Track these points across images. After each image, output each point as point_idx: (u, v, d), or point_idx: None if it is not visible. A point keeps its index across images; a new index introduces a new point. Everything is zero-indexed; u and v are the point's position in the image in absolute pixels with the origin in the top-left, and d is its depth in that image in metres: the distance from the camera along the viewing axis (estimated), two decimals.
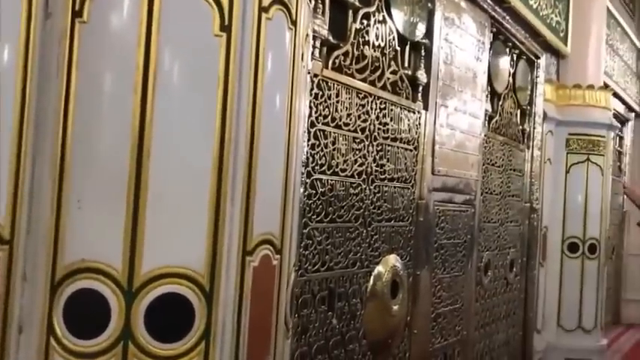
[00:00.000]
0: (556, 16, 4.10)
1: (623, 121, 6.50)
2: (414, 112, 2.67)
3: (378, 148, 2.41)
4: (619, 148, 6.40)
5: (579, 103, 4.19)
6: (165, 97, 1.09)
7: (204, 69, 1.12)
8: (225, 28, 1.13)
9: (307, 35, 1.42)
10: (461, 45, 3.01)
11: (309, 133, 1.98)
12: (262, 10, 1.17)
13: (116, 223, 1.07)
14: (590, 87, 4.23)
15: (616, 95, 5.76)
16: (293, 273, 1.36)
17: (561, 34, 4.22)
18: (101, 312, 1.06)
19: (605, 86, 4.90)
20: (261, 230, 1.18)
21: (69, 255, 1.07)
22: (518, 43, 3.70)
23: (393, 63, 2.51)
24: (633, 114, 6.76)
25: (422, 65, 2.72)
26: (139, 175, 1.07)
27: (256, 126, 1.15)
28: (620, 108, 6.17)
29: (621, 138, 6.49)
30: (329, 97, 2.11)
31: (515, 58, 3.78)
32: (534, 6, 3.70)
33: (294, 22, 1.26)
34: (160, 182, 1.08)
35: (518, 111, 3.89)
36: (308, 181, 1.99)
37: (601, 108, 4.23)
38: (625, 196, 2.72)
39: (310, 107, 2.00)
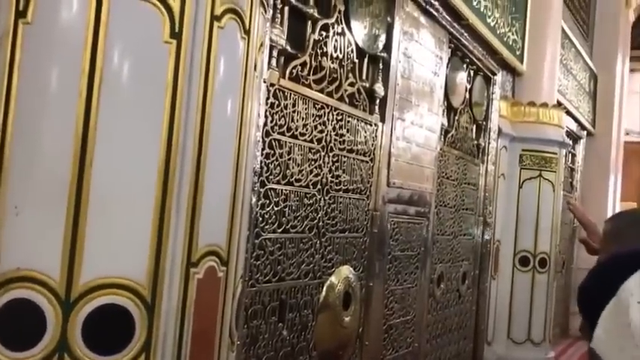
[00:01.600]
0: (513, 34, 4.21)
1: (575, 138, 6.69)
2: (371, 125, 2.68)
3: (334, 159, 2.41)
4: (571, 165, 6.58)
5: (533, 120, 4.29)
6: (111, 103, 1.06)
7: (153, 75, 1.10)
8: (176, 35, 1.12)
9: (262, 45, 1.41)
10: (419, 59, 3.05)
11: (263, 142, 1.97)
12: (214, 18, 1.16)
13: (55, 231, 1.03)
14: (544, 105, 4.34)
15: (569, 113, 5.93)
16: (240, 285, 1.34)
17: (517, 53, 4.32)
18: (36, 323, 1.02)
19: (559, 104, 5.04)
20: (206, 241, 1.16)
21: (4, 263, 1.03)
22: (475, 60, 3.78)
23: (351, 75, 2.52)
24: (585, 132, 6.96)
25: (380, 78, 2.74)
26: (80, 182, 1.04)
27: (205, 135, 1.13)
28: (573, 126, 6.36)
29: (574, 155, 6.67)
30: (285, 107, 2.10)
31: (472, 74, 3.86)
32: (492, 24, 3.79)
33: (247, 32, 1.25)
34: (102, 190, 1.06)
35: (474, 126, 3.96)
36: (262, 190, 1.98)
37: (554, 126, 4.34)
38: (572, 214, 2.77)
39: (266, 116, 1.99)
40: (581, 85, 6.52)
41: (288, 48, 2.12)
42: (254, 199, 1.87)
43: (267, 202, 2.02)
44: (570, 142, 6.27)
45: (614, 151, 7.47)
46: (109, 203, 1.07)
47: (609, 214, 7.43)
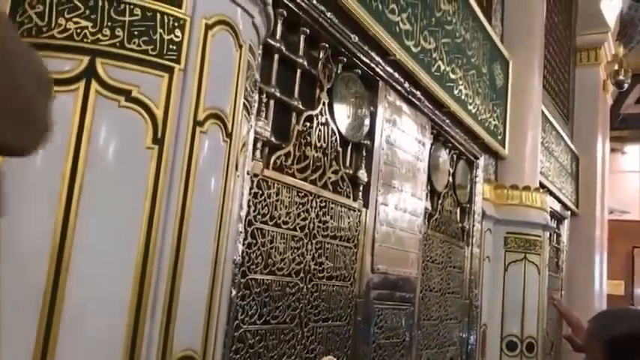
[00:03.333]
0: (494, 120, 4.33)
1: (560, 218, 6.76)
2: (355, 211, 2.71)
3: (317, 246, 2.42)
4: (556, 245, 6.61)
5: (516, 202, 4.35)
6: (90, 208, 1.08)
7: (133, 180, 1.12)
8: (158, 140, 1.15)
9: (244, 145, 1.44)
10: (402, 146, 3.12)
11: (246, 232, 1.98)
12: (197, 124, 1.20)
13: (28, 336, 1.02)
14: (527, 188, 4.41)
15: (553, 194, 6.02)
16: None
17: (499, 137, 4.43)
18: None
19: (542, 186, 5.12)
20: (182, 346, 1.15)
21: None
22: (457, 145, 3.86)
23: (334, 163, 2.56)
24: (569, 212, 7.04)
25: (363, 165, 2.79)
26: (55, 287, 1.04)
27: (183, 239, 1.14)
28: (557, 207, 6.44)
29: (559, 235, 6.72)
30: (268, 196, 2.12)
31: (455, 158, 3.94)
32: (473, 111, 3.90)
33: (229, 135, 1.28)
34: (77, 295, 1.05)
35: (458, 209, 4.00)
36: (242, 281, 1.97)
37: (537, 209, 4.39)
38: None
39: (249, 206, 2.01)
40: (564, 167, 6.66)
41: (273, 139, 2.17)
42: (234, 292, 1.86)
43: (248, 292, 2.00)
44: (554, 224, 6.33)
45: (598, 229, 7.53)
46: (82, 308, 1.06)
47: (597, 292, 7.41)
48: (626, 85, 7.85)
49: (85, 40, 1.12)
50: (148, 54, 1.16)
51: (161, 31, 1.17)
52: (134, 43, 1.15)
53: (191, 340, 1.18)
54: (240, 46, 1.32)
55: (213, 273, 1.23)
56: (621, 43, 8.07)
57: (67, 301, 1.04)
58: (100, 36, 1.13)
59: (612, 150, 10.17)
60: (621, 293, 12.02)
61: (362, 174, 2.76)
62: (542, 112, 5.30)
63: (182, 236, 1.14)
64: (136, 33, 1.15)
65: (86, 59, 1.12)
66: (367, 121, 2.82)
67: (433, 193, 3.63)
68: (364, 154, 2.81)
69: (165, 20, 1.18)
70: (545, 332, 5.24)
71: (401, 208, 3.13)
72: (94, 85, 1.11)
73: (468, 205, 4.10)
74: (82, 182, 1.08)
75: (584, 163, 7.45)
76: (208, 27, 1.23)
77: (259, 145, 2.08)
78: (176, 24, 1.19)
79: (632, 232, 11.76)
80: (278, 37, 2.21)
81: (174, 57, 1.18)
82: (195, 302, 1.19)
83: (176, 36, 1.19)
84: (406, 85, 3.09)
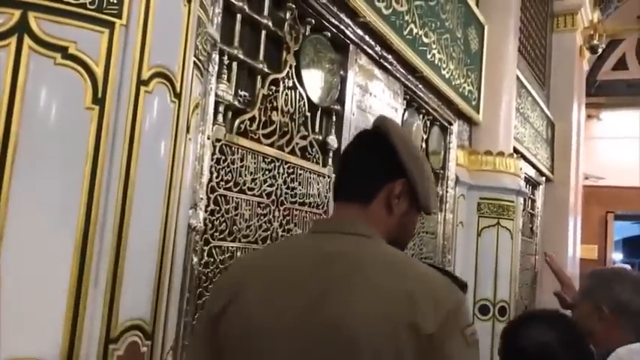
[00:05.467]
0: (468, 85, 4.28)
1: (534, 184, 6.80)
2: (324, 177, 2.66)
3: (285, 213, 2.37)
4: (531, 211, 6.66)
5: (490, 169, 4.33)
6: (26, 172, 1.02)
7: (72, 143, 1.05)
8: (99, 100, 1.08)
9: (197, 106, 1.38)
10: (374, 111, 3.06)
11: (208, 199, 1.93)
12: (141, 83, 1.13)
13: None
14: (501, 154, 4.39)
15: (528, 160, 6.04)
16: (170, 357, 1.27)
17: (473, 103, 4.40)
18: None
19: (517, 152, 5.12)
20: (128, 316, 1.10)
21: None
22: (431, 110, 3.82)
23: (302, 128, 2.51)
24: (544, 178, 7.09)
25: (333, 130, 2.74)
26: None
27: (127, 206, 1.09)
28: (532, 172, 6.47)
29: (533, 201, 6.77)
30: (232, 162, 2.07)
31: (428, 125, 3.90)
32: (447, 76, 3.85)
33: (177, 95, 1.22)
34: (14, 265, 1.00)
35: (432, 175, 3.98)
36: (205, 248, 1.92)
37: (510, 174, 4.39)
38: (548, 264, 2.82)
39: (211, 172, 1.95)
40: (539, 133, 6.67)
41: (236, 103, 2.10)
42: (195, 259, 1.82)
43: (212, 260, 1.96)
44: (529, 190, 6.37)
45: (572, 195, 7.60)
46: (21, 279, 1.01)
47: (570, 256, 7.52)
48: (600, 50, 7.84)
49: None
50: (86, 8, 1.08)
51: None
52: None
53: (139, 309, 1.13)
54: (189, 1, 1.24)
55: (162, 241, 1.18)
56: (598, 8, 8.03)
57: (3, 273, 0.99)
58: None
59: (588, 116, 10.22)
60: (594, 257, 12.25)
61: (332, 140, 2.71)
62: (518, 77, 5.26)
63: (127, 202, 1.09)
64: None
65: (17, 13, 1.04)
66: (337, 86, 2.75)
67: None
68: (334, 119, 2.75)
69: None
70: (519, 296, 5.32)
71: None
72: (27, 40, 1.04)
73: (442, 171, 4.08)
74: (15, 146, 1.01)
75: (560, 129, 7.47)
76: None
77: (221, 109, 2.02)
78: None
79: (606, 198, 11.92)
80: None
81: (114, 11, 1.11)
82: (142, 271, 1.14)
83: None
84: (377, 48, 3.02)
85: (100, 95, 1.08)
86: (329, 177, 2.70)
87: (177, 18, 1.21)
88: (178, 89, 1.21)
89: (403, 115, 3.44)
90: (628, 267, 9.17)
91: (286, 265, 1.10)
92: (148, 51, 1.14)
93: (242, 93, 2.16)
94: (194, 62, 1.30)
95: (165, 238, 1.18)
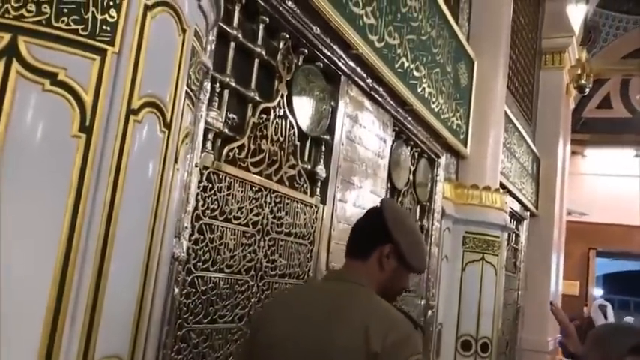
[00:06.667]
0: (457, 119, 4.31)
1: (519, 219, 6.83)
2: (311, 207, 2.64)
3: (270, 243, 2.34)
4: (515, 245, 6.68)
5: (476, 203, 4.34)
6: (7, 199, 0.98)
7: (56, 172, 1.02)
8: (86, 129, 1.05)
9: (187, 135, 1.36)
10: (363, 142, 3.06)
11: (192, 227, 1.89)
12: (131, 112, 1.11)
13: None
14: (487, 188, 4.40)
15: (513, 195, 6.07)
16: None
17: (461, 137, 4.42)
18: None
19: (503, 187, 5.14)
20: (105, 351, 1.06)
21: None
22: (419, 143, 3.83)
23: (291, 157, 2.49)
24: (528, 213, 7.12)
25: (322, 160, 2.72)
26: None
27: (110, 239, 1.05)
28: (517, 207, 6.50)
29: (517, 235, 6.78)
30: (219, 190, 2.04)
31: (416, 157, 3.90)
32: (436, 109, 3.87)
33: (167, 125, 1.19)
34: None
35: (418, 207, 3.98)
36: (188, 278, 1.88)
37: (496, 209, 4.39)
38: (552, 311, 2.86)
39: (197, 200, 1.92)
40: (525, 168, 6.72)
41: (226, 131, 2.08)
42: (177, 290, 1.77)
43: (194, 290, 1.91)
44: (513, 224, 6.38)
45: (556, 230, 7.64)
46: None
47: (552, 292, 7.52)
48: (587, 90, 7.97)
49: (6, 15, 1.02)
50: (77, 34, 1.06)
51: (94, 9, 1.07)
52: (63, 21, 1.05)
53: (117, 343, 1.09)
54: (184, 30, 1.23)
55: (144, 273, 1.14)
56: (585, 47, 8.18)
57: None
58: (24, 12, 1.03)
59: (573, 153, 10.34)
60: (576, 293, 12.28)
61: (320, 170, 2.70)
62: (506, 113, 5.31)
63: (109, 235, 1.05)
64: (65, 11, 1.05)
65: (7, 37, 1.01)
66: (327, 116, 2.75)
67: (393, 191, 3.59)
68: (323, 149, 2.74)
69: None
70: (501, 332, 5.28)
71: (360, 205, 3.07)
72: (15, 65, 1.01)
73: (428, 204, 4.08)
74: None
75: (545, 164, 7.53)
76: (148, 8, 1.14)
77: (210, 136, 2.00)
78: (111, 3, 1.09)
79: (588, 234, 12.01)
80: (235, 24, 2.12)
81: (107, 39, 1.08)
82: (122, 305, 1.10)
83: (111, 16, 1.09)
84: (369, 80, 3.03)
85: (87, 123, 1.05)
86: (316, 207, 2.67)
87: (171, 47, 1.20)
88: (169, 119, 1.19)
89: (392, 146, 3.44)
90: (608, 304, 9.19)
91: (301, 301, 1.55)
92: (139, 80, 1.11)
93: (231, 116, 2.14)
94: (186, 92, 1.28)
95: (148, 270, 1.15)
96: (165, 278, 1.35)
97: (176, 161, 1.26)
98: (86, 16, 1.07)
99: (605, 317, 8.83)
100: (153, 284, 1.18)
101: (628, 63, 9.89)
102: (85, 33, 1.06)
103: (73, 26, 1.06)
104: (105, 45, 1.08)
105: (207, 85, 1.91)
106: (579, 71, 7.74)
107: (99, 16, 1.08)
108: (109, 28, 1.09)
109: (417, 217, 3.96)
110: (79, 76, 1.05)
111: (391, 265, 1.56)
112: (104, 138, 1.06)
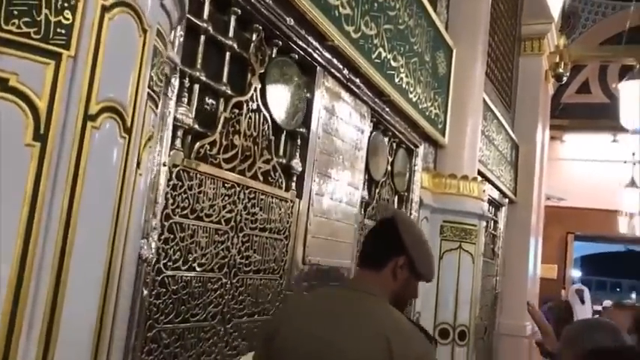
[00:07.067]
0: (435, 108, 4.29)
1: (497, 206, 6.87)
2: (287, 201, 2.61)
3: (244, 239, 2.31)
4: (493, 232, 6.72)
5: (454, 192, 4.34)
6: None
7: (9, 183, 0.98)
8: (40, 137, 1.01)
9: (150, 138, 1.32)
10: (340, 134, 3.03)
11: (162, 227, 1.86)
12: (88, 118, 1.07)
13: None
14: (465, 177, 4.40)
15: (491, 183, 6.09)
16: None
17: (439, 126, 4.41)
18: None
19: (481, 175, 5.15)
20: None
21: None
22: (397, 133, 3.81)
23: (266, 152, 2.45)
24: (507, 200, 7.16)
25: (298, 154, 2.69)
26: None
27: (67, 251, 1.02)
28: (495, 194, 6.53)
29: (496, 222, 6.83)
30: (190, 188, 2.00)
31: (394, 147, 3.89)
32: (414, 99, 3.85)
33: (128, 130, 1.15)
34: None
35: (396, 197, 3.97)
36: (157, 279, 1.85)
37: (474, 198, 4.40)
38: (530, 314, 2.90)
39: (166, 199, 1.88)
40: (504, 155, 6.74)
41: (196, 126, 2.04)
42: (146, 291, 1.74)
43: (164, 290, 1.88)
44: (492, 212, 6.42)
45: (534, 216, 7.70)
46: None
47: (530, 276, 7.60)
48: (564, 79, 8.00)
49: None
50: (29, 37, 1.01)
51: (47, 11, 1.03)
52: (13, 24, 1.00)
53: (78, 351, 1.06)
54: (145, 31, 1.18)
55: (106, 279, 1.11)
56: (564, 34, 8.20)
57: None
58: None
59: (552, 138, 10.42)
60: (554, 277, 12.46)
61: (296, 163, 2.67)
62: (485, 100, 5.31)
63: (67, 247, 1.02)
64: (15, 13, 1.00)
65: None
66: (303, 108, 2.71)
67: (371, 182, 3.57)
68: (299, 142, 2.71)
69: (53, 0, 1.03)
70: (479, 318, 5.33)
71: (337, 198, 3.05)
72: None
73: (406, 194, 4.07)
74: None
75: (524, 151, 7.57)
76: (105, 9, 1.09)
77: (180, 133, 1.95)
78: (66, 4, 1.05)
79: (567, 218, 12.17)
80: (205, 16, 2.07)
81: (62, 42, 1.04)
82: (83, 311, 1.06)
83: (65, 18, 1.05)
84: (345, 71, 3.00)
85: (42, 131, 1.01)
86: (292, 201, 2.65)
87: (131, 49, 1.15)
88: (129, 124, 1.15)
89: (370, 137, 3.41)
90: (585, 288, 9.33)
91: (317, 306, 1.65)
92: (97, 84, 1.07)
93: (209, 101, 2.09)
94: (148, 94, 1.24)
95: (110, 275, 1.12)
96: (131, 282, 1.32)
97: (138, 166, 1.22)
98: (39, 19, 1.02)
99: (583, 301, 8.97)
100: (116, 289, 1.15)
101: (606, 49, 9.94)
102: (37, 36, 1.02)
103: (25, 29, 1.01)
104: (59, 49, 1.04)
105: (176, 80, 1.86)
106: (557, 59, 7.76)
107: (52, 19, 1.03)
108: (63, 31, 1.04)
109: (395, 207, 3.95)
110: (32, 82, 1.01)
111: (404, 275, 1.66)
112: (60, 146, 1.03)
